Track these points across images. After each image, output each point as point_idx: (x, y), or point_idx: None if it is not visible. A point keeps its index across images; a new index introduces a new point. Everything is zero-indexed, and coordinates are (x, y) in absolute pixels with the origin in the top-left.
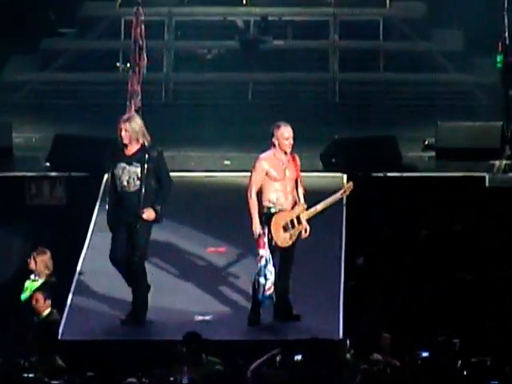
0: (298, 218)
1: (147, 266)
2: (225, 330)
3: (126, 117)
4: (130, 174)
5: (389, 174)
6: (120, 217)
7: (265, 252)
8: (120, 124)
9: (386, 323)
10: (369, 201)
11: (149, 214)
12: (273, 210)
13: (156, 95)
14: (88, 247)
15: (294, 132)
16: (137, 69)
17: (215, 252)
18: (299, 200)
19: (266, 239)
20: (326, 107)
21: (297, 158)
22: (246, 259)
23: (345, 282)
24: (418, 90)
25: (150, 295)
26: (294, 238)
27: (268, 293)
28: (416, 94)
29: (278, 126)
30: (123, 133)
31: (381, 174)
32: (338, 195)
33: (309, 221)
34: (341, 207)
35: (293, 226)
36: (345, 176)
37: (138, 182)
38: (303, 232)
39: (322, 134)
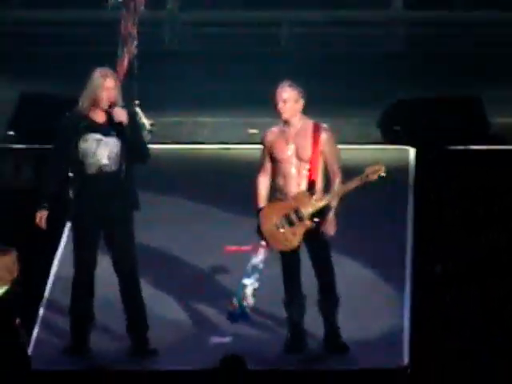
0: (297, 211)
1: (142, 273)
2: (248, 356)
3: (106, 71)
4: (110, 148)
5: (472, 147)
6: (93, 211)
7: (257, 254)
8: (103, 80)
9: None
10: (445, 182)
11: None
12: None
13: (157, 40)
14: (65, 245)
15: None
16: (131, 4)
17: (237, 251)
18: (333, 186)
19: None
20: (385, 56)
21: (322, 131)
22: (278, 261)
23: (413, 290)
24: (508, 32)
25: (149, 314)
26: (294, 241)
27: (246, 303)
28: (506, 39)
29: (277, 86)
30: (110, 92)
31: (461, 147)
32: (356, 181)
33: (346, 212)
34: (405, 191)
35: (289, 223)
36: (412, 150)
37: (118, 159)
38: (325, 228)
39: (380, 93)
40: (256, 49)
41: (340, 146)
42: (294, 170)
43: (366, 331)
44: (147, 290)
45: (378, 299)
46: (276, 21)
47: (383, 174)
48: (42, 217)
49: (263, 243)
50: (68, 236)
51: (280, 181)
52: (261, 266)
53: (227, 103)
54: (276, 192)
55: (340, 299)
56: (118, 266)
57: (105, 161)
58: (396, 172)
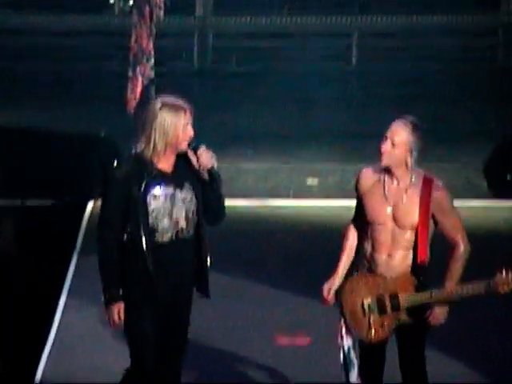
0: (395, 298)
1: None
2: None
3: (177, 101)
4: (187, 206)
5: None
6: (165, 287)
7: (344, 337)
8: (180, 115)
9: None
10: None
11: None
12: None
13: (183, 57)
14: (56, 337)
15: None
16: (147, 9)
17: (291, 344)
18: (450, 274)
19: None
20: (495, 77)
21: (433, 188)
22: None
23: None
24: None
25: None
26: (381, 334)
27: None
28: None
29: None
30: (188, 130)
31: None
32: (479, 287)
33: None
34: None
35: (380, 310)
36: None
37: (195, 220)
38: (433, 317)
39: (488, 129)
40: (316, 68)
41: None
42: (387, 237)
43: None
44: None
45: None
46: (345, 29)
47: None
48: (119, 310)
49: (342, 323)
50: (62, 315)
51: (367, 246)
52: (355, 350)
53: (277, 143)
54: (363, 260)
55: None
56: (164, 352)
57: (182, 223)
58: (509, 236)
